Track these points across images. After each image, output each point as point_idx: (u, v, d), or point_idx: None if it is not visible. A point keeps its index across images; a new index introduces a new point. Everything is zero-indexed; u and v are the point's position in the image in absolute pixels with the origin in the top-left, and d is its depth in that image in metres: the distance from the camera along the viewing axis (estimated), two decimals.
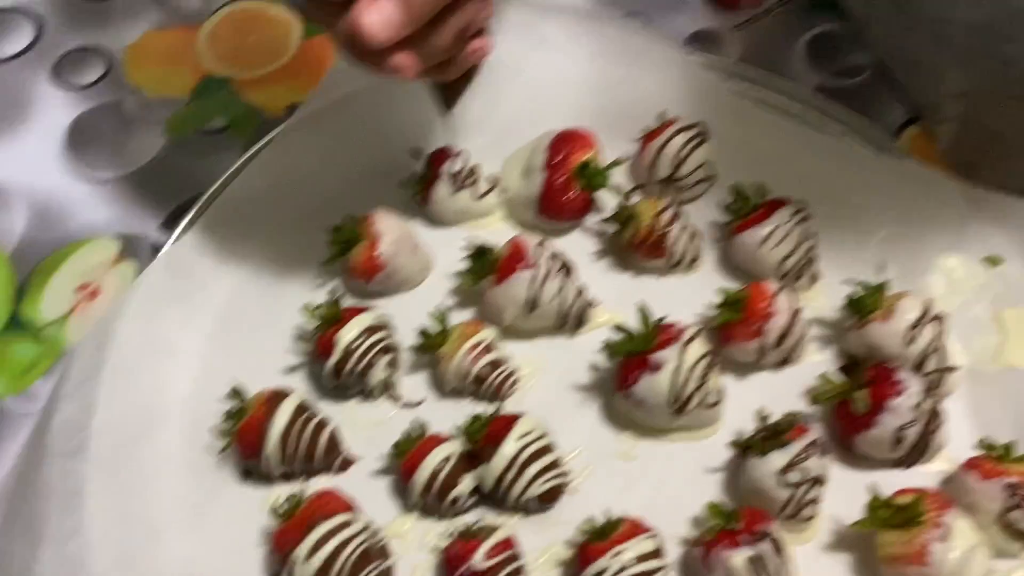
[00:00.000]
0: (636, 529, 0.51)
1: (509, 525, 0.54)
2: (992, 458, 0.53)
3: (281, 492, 0.55)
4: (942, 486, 0.55)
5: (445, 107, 0.58)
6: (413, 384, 0.60)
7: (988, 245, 0.60)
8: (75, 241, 0.66)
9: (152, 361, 0.59)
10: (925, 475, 0.55)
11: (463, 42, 0.54)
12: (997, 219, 0.61)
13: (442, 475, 0.53)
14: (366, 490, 0.55)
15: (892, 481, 0.54)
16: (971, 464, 0.53)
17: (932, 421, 0.54)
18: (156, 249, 0.65)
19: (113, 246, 0.66)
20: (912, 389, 0.53)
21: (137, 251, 0.66)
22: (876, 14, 0.73)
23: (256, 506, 0.56)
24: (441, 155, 0.64)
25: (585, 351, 0.60)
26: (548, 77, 0.68)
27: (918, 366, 0.55)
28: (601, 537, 0.51)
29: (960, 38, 0.65)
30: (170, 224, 0.66)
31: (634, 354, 0.55)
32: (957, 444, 0.55)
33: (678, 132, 0.63)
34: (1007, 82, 0.65)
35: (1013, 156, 0.66)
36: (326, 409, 0.58)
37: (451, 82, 0.53)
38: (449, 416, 0.57)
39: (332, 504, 0.52)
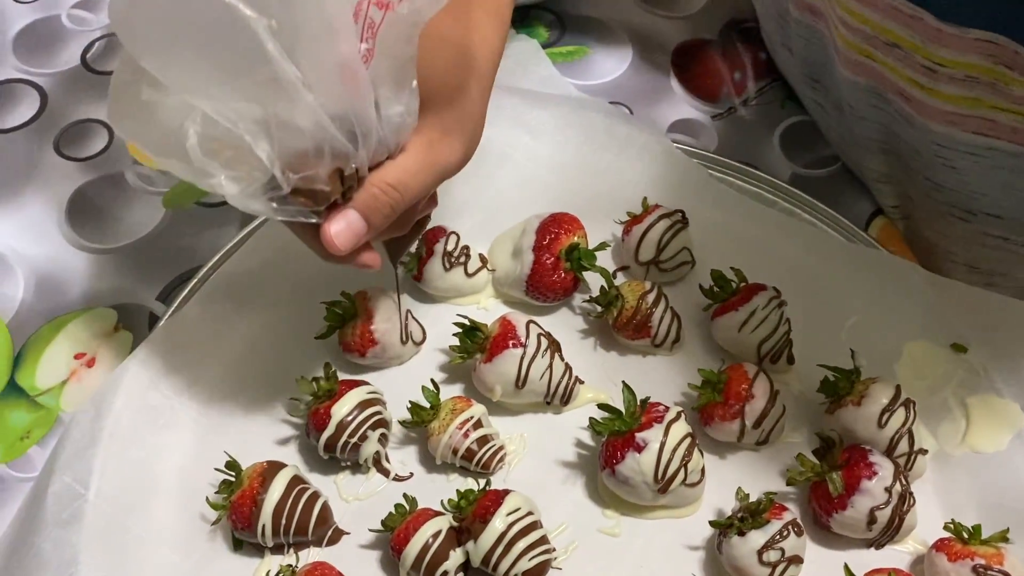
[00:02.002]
0: None
1: None
2: (960, 540, 0.55)
3: (271, 564, 0.56)
4: (912, 567, 0.57)
5: (391, 259, 0.61)
6: (402, 457, 0.61)
7: (953, 333, 0.63)
8: (73, 310, 0.67)
9: (148, 432, 0.59)
10: (896, 555, 0.57)
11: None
12: (962, 308, 0.63)
13: (432, 549, 0.54)
14: (355, 563, 0.56)
15: (864, 560, 0.56)
16: (940, 546, 0.55)
17: (903, 503, 0.56)
18: (153, 320, 0.66)
19: (111, 316, 0.67)
20: (885, 471, 0.55)
21: (134, 321, 0.67)
22: (823, 121, 0.76)
23: None
24: (435, 234, 0.66)
25: (570, 427, 0.62)
26: (537, 162, 0.71)
27: (889, 449, 0.58)
28: None
29: (895, 161, 0.69)
30: (168, 295, 0.68)
31: (620, 433, 0.57)
32: (926, 525, 0.57)
33: (660, 218, 0.66)
34: (936, 203, 0.68)
35: (947, 264, 0.70)
36: (316, 481, 0.59)
37: (398, 237, 0.58)
38: (437, 489, 0.59)
39: None
